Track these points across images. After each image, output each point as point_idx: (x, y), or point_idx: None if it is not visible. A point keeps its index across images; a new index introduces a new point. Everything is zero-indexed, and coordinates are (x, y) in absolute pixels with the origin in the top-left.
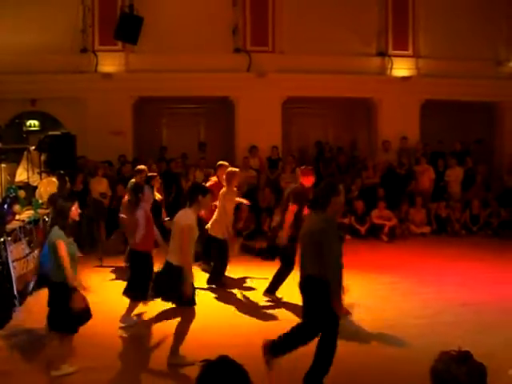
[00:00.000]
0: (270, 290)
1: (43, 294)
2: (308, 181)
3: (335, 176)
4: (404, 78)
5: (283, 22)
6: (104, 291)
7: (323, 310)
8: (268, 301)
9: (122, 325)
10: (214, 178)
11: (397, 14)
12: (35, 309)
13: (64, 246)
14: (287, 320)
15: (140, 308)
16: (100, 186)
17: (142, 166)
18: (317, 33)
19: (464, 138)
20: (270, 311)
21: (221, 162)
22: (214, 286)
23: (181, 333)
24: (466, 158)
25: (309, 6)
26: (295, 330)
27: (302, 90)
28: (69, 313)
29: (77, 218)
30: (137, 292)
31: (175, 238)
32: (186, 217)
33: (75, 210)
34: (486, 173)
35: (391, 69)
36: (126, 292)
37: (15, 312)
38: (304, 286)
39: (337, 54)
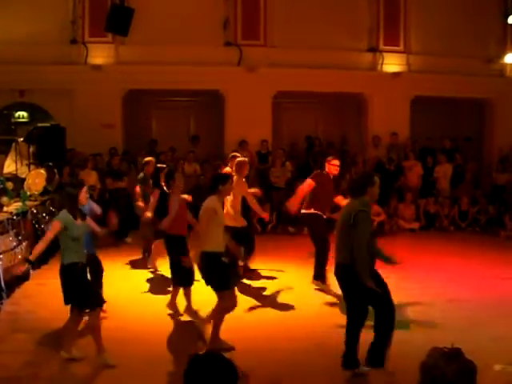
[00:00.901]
0: (317, 277)
1: (30, 286)
2: (334, 169)
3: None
4: (395, 74)
5: (274, 16)
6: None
7: (361, 292)
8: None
9: (170, 311)
10: (227, 169)
11: (388, 9)
12: (22, 301)
13: (56, 226)
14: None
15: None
16: (89, 179)
17: (149, 158)
18: (308, 27)
19: (454, 135)
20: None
21: (233, 154)
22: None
23: (217, 318)
24: (456, 154)
25: (300, 0)
26: (347, 331)
27: (293, 84)
28: (84, 291)
29: (85, 202)
30: (176, 276)
31: (202, 224)
32: (209, 203)
33: (83, 194)
34: (475, 170)
35: (382, 64)
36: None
37: (2, 305)
38: (339, 274)
39: (328, 48)
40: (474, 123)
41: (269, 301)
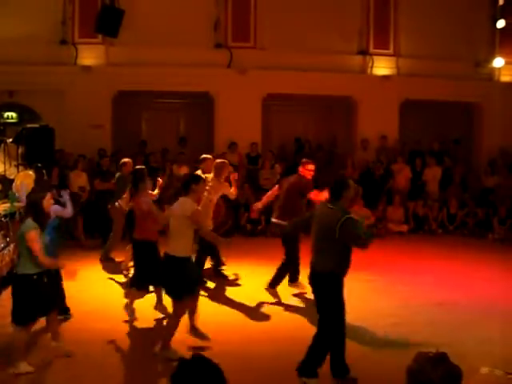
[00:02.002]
0: (291, 280)
1: None
2: (308, 174)
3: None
4: (384, 77)
5: (265, 19)
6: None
7: (332, 304)
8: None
9: (127, 316)
10: (198, 172)
11: (378, 12)
12: (10, 303)
13: (35, 236)
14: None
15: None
16: (79, 180)
17: (126, 159)
18: (298, 30)
19: (442, 138)
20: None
21: (205, 156)
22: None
23: (171, 326)
24: (444, 157)
25: (291, 2)
26: (315, 340)
27: (283, 86)
28: (28, 305)
29: (50, 210)
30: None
31: (176, 228)
32: (185, 206)
33: (48, 202)
34: (464, 173)
35: (372, 67)
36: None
37: None
38: (315, 281)
39: (318, 51)
40: (463, 126)
41: (249, 303)
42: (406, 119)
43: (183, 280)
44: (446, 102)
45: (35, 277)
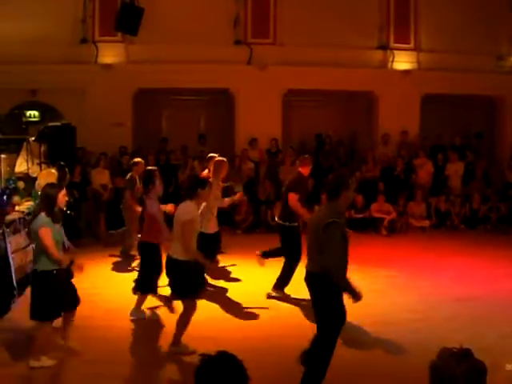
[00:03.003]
0: (278, 286)
1: None
2: (306, 170)
3: (335, 168)
4: (405, 72)
5: (284, 15)
6: (108, 282)
7: (330, 306)
8: (274, 297)
9: (132, 318)
10: (205, 172)
11: (398, 7)
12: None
13: (48, 233)
14: (286, 313)
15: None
16: (102, 178)
17: (138, 159)
18: (318, 25)
19: (464, 132)
20: (271, 306)
21: (211, 154)
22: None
23: (183, 323)
24: (467, 152)
25: None
26: (314, 344)
27: (303, 82)
28: (51, 301)
29: (63, 206)
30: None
31: (178, 231)
32: (186, 211)
33: (62, 197)
34: (486, 167)
35: (392, 62)
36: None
37: (14, 303)
38: (309, 282)
39: (338, 46)
40: (485, 120)
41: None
42: (426, 114)
43: (186, 281)
44: (468, 96)
45: (54, 272)
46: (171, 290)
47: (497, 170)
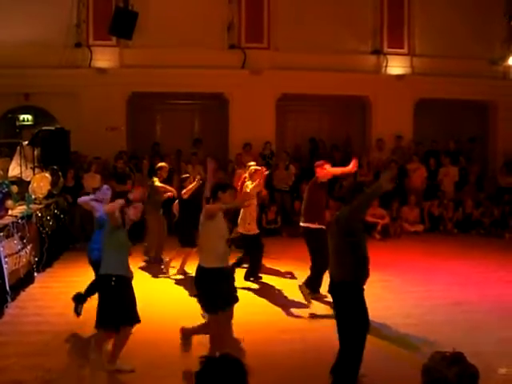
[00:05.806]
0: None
1: (35, 289)
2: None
3: None
4: (399, 76)
5: (278, 19)
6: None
7: (349, 315)
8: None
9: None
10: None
11: (392, 11)
12: (27, 304)
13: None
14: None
15: None
16: (93, 182)
17: (163, 164)
18: (312, 30)
19: (458, 137)
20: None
21: (249, 163)
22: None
23: (214, 341)
24: (460, 157)
25: (304, 3)
26: (341, 355)
27: (297, 87)
28: (116, 309)
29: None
30: None
31: (203, 236)
32: (205, 208)
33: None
34: (479, 172)
35: (386, 67)
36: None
37: (7, 307)
38: (331, 292)
39: (332, 51)
40: (479, 125)
41: (272, 302)
42: (420, 118)
43: (213, 292)
44: (461, 101)
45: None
46: (198, 301)
47: (489, 175)
